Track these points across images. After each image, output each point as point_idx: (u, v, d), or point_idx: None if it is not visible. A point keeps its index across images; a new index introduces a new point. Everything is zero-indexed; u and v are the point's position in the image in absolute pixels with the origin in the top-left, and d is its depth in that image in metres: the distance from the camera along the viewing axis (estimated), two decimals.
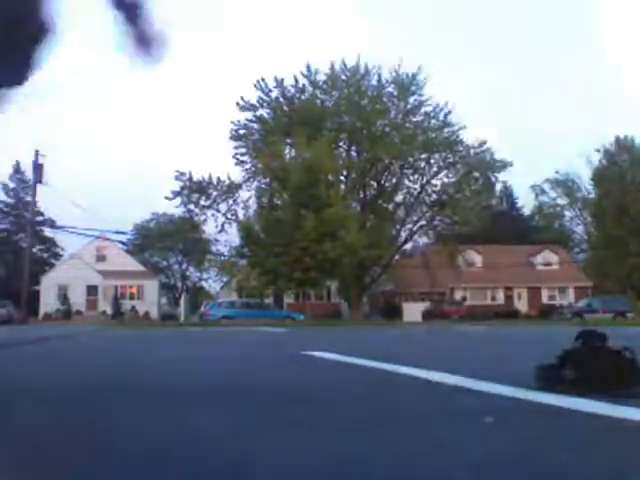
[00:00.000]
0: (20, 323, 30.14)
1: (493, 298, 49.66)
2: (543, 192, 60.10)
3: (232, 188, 41.98)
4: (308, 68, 43.56)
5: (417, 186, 45.09)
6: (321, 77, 43.93)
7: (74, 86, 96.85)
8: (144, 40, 3.66)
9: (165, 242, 60.49)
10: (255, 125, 43.93)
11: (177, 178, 40.98)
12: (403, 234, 46.38)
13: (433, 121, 43.72)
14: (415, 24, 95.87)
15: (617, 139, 51.83)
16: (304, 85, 43.98)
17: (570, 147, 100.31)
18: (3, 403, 2.30)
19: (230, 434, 1.65)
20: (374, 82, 43.75)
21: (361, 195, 44.82)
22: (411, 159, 44.46)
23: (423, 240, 48.59)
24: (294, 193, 33.05)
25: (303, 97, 44.09)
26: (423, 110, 43.66)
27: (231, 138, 43.44)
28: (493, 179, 45.01)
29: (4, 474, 1.25)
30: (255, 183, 41.88)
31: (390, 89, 43.66)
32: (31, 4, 3.52)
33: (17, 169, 57.61)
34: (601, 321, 25.01)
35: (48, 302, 44.40)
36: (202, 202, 41.60)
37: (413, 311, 41.41)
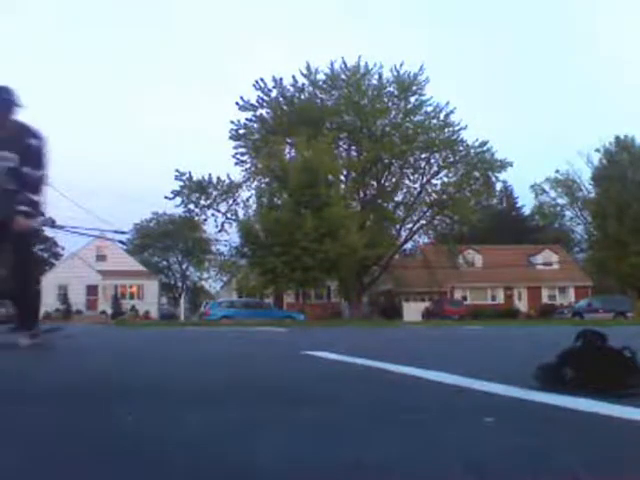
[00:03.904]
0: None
1: (493, 298, 49.70)
2: (543, 192, 60.19)
3: (232, 188, 42.00)
4: (308, 67, 43.62)
5: (417, 186, 45.12)
6: (321, 77, 43.98)
7: (74, 86, 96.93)
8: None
9: (165, 242, 60.52)
10: (255, 125, 43.96)
11: (177, 178, 41.04)
12: (403, 234, 46.42)
13: (434, 121, 43.74)
14: (415, 23, 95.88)
15: (617, 139, 51.84)
16: (304, 84, 44.03)
17: (570, 147, 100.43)
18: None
19: (231, 435, 1.65)
20: (374, 81, 43.78)
21: (361, 195, 44.84)
22: (411, 159, 44.49)
23: (423, 240, 48.67)
24: (294, 193, 33.07)
25: (303, 97, 44.10)
26: (424, 110, 43.69)
27: (231, 138, 43.49)
28: (493, 179, 45.05)
29: None
30: (255, 183, 41.93)
31: (391, 89, 43.67)
32: None
33: None
34: (601, 321, 25.03)
35: (48, 302, 44.44)
36: (202, 202, 41.63)
37: (413, 311, 41.48)
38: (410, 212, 45.11)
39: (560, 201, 60.09)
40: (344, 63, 43.29)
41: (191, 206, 41.72)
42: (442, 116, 43.19)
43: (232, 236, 40.02)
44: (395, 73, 43.00)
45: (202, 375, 3.44)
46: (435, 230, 47.24)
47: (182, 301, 42.15)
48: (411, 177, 45.38)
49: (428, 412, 1.99)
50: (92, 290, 46.66)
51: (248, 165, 42.99)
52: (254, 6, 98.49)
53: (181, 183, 40.91)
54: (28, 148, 5.20)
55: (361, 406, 2.15)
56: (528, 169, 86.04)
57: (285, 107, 43.70)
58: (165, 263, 65.62)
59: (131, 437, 1.62)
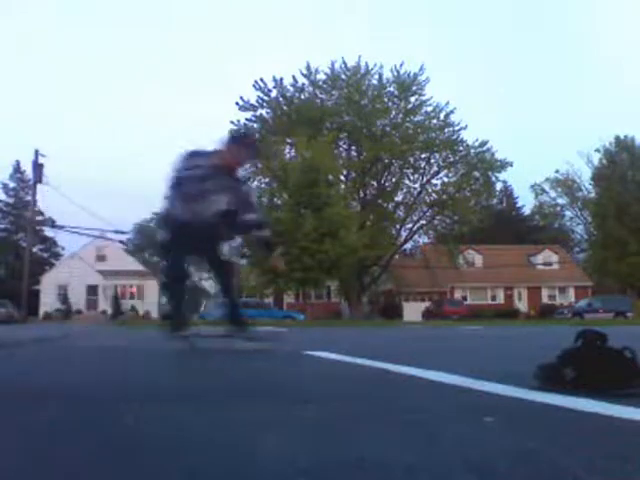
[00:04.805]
0: (20, 322, 30.14)
1: (493, 298, 49.71)
2: (543, 192, 60.16)
3: None
4: (308, 67, 43.60)
5: (417, 186, 45.10)
6: (321, 77, 43.97)
7: (75, 85, 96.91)
8: None
9: None
10: (255, 125, 43.94)
11: None
12: (403, 234, 46.41)
13: (434, 121, 43.73)
14: (415, 23, 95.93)
15: (617, 139, 51.82)
16: (303, 84, 44.02)
17: (570, 147, 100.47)
18: None
19: (231, 435, 1.65)
20: (375, 81, 43.76)
21: (361, 195, 44.82)
22: (411, 159, 44.47)
23: (423, 240, 48.67)
24: (294, 193, 33.05)
25: (303, 97, 44.09)
26: (424, 110, 43.68)
27: None
28: (493, 179, 45.04)
29: None
30: (255, 183, 41.91)
31: (391, 89, 43.65)
32: None
33: (17, 169, 57.64)
34: (601, 321, 25.03)
35: (48, 302, 44.42)
36: None
37: (413, 311, 41.48)
38: (410, 212, 45.10)
39: (560, 201, 60.12)
40: (344, 63, 43.31)
41: None
42: (442, 116, 43.22)
43: None
44: (395, 73, 43.03)
45: (202, 375, 3.44)
46: (435, 230, 47.23)
47: None
48: (411, 177, 45.40)
49: (428, 412, 1.99)
50: (92, 290, 46.64)
51: (248, 165, 43.01)
52: (254, 6, 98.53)
53: None
54: (242, 193, 5.65)
55: (361, 406, 2.15)
56: (528, 169, 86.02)
57: (285, 107, 43.69)
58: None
59: (130, 437, 1.62)
